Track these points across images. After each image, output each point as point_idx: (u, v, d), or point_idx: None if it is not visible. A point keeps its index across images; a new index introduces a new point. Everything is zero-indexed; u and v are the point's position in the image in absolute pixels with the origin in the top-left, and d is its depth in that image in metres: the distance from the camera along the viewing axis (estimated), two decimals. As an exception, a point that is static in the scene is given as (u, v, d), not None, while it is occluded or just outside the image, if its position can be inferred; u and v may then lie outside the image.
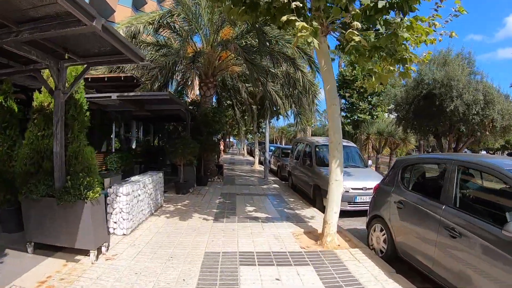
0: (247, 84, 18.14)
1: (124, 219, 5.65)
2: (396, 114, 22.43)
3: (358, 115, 23.34)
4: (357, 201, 8.35)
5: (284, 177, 14.80)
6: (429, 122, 16.86)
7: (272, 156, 18.53)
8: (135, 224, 6.02)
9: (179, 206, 7.88)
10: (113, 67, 10.95)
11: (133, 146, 20.21)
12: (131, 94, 7.37)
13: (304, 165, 10.00)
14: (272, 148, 24.58)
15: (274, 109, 15.54)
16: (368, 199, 8.26)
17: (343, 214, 8.21)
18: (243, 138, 20.42)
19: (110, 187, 5.71)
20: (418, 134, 19.10)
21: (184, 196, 9.20)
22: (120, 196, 5.63)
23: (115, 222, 5.67)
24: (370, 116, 23.84)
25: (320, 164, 9.42)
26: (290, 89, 12.43)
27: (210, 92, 13.19)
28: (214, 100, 16.66)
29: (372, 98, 23.80)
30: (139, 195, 6.31)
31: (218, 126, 11.76)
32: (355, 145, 10.88)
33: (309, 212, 7.91)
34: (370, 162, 10.36)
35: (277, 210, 7.84)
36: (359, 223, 7.40)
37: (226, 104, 19.77)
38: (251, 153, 36.87)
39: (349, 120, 26.00)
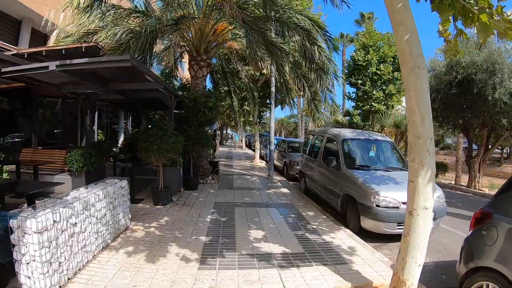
0: (247, 67, 15.51)
1: (41, 273, 3.14)
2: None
3: (373, 104, 20.73)
4: (408, 220, 5.83)
5: (292, 177, 12.28)
6: (461, 114, 14.37)
7: (276, 151, 15.97)
8: (70, 273, 3.53)
9: (151, 229, 5.34)
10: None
11: (121, 139, 17.66)
12: (75, 61, 4.81)
13: (326, 166, 7.45)
14: (276, 141, 22.00)
15: (284, 92, 12.93)
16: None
17: (378, 237, 5.81)
18: (241, 130, 17.94)
19: (33, 209, 3.23)
20: (445, 127, 16.63)
21: (164, 209, 6.66)
22: (30, 235, 3.10)
23: (28, 277, 3.17)
24: (385, 106, 21.24)
25: (351, 166, 6.88)
26: (305, 67, 9.82)
27: (203, 72, 10.55)
28: (208, 84, 14.09)
29: (387, 86, 21.14)
30: (75, 224, 3.77)
31: (212, 114, 9.17)
32: (390, 139, 8.35)
33: (344, 238, 5.40)
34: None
35: (296, 237, 5.30)
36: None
37: (223, 91, 17.13)
38: (249, 146, 34.21)
39: (360, 111, 23.49)
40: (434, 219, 6.07)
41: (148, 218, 5.97)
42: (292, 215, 6.70)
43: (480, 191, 13.23)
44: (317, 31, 9.76)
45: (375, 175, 6.51)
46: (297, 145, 14.49)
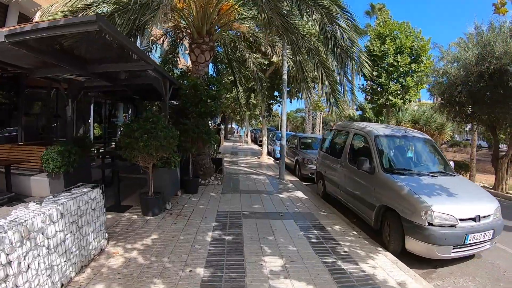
0: (255, 55, 14.07)
1: None
2: (439, 98, 18.39)
3: (389, 97, 19.22)
4: (469, 242, 4.52)
5: (305, 178, 10.92)
6: (489, 109, 12.88)
7: (285, 147, 14.58)
8: None
9: (133, 253, 4.02)
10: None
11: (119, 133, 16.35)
12: (27, 28, 3.49)
13: (355, 168, 6.06)
14: (275, 135, 20.59)
15: (300, 80, 11.52)
16: (483, 236, 4.63)
17: (424, 260, 4.49)
18: (247, 124, 16.47)
19: None
20: (472, 123, 15.14)
21: (154, 222, 5.35)
22: None
23: None
24: (401, 100, 19.72)
25: (390, 170, 5.50)
26: (326, 52, 8.36)
27: (205, 57, 9.16)
28: (211, 72, 12.72)
29: (404, 78, 19.58)
30: (9, 262, 2.48)
31: (214, 104, 7.80)
32: (428, 137, 6.94)
33: (387, 267, 4.05)
34: (452, 163, 6.43)
35: (327, 266, 3.94)
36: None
37: (228, 81, 15.72)
38: (255, 140, 32.80)
39: (373, 105, 22.01)
40: (491, 238, 4.73)
41: (132, 236, 4.65)
42: (315, 231, 5.34)
43: (508, 195, 11.78)
44: (337, 11, 8.31)
45: (422, 183, 5.12)
46: (310, 140, 13.11)
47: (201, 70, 8.96)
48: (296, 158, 11.82)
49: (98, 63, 5.69)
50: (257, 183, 9.60)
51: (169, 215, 5.85)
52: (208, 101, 7.49)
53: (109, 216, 5.51)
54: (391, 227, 5.01)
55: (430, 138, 7.04)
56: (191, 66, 9.67)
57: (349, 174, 6.58)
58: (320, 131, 38.10)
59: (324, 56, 8.77)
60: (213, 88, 7.78)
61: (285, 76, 10.36)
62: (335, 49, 7.82)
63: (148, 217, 5.64)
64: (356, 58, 8.22)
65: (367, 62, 8.56)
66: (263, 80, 13.66)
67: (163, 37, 12.80)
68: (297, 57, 8.42)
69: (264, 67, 15.39)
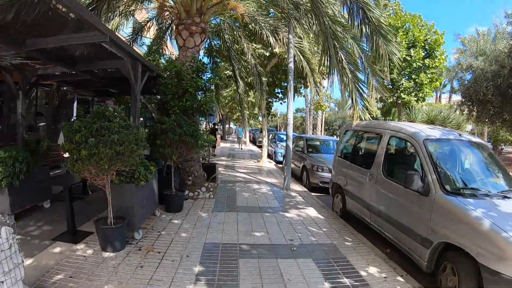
0: (255, 45, 12.35)
1: None
2: (461, 95, 16.73)
3: (401, 95, 17.51)
4: None
5: (315, 188, 9.21)
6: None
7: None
8: None
9: None
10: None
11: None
12: None
13: (395, 184, 4.37)
14: (276, 136, 18.67)
15: (305, 72, 9.86)
16: None
17: None
18: (246, 123, 14.82)
19: None
20: (501, 125, 13.53)
21: (111, 263, 3.64)
22: None
23: None
24: (415, 98, 17.98)
25: (454, 191, 3.81)
26: (350, 31, 6.64)
27: (194, 41, 7.47)
28: (205, 60, 10.97)
29: (417, 74, 17.86)
30: None
31: (206, 98, 6.10)
32: (482, 141, 5.25)
33: None
34: None
35: None
36: None
37: (224, 76, 13.98)
38: (254, 141, 31.00)
39: (382, 104, 20.36)
40: None
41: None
42: (346, 279, 3.62)
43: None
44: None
45: (502, 210, 3.46)
46: (318, 143, 11.40)
47: (189, 57, 7.23)
48: (303, 163, 10.09)
49: (36, 36, 3.97)
50: (258, 195, 7.87)
51: (137, 250, 4.13)
52: (197, 93, 5.77)
53: (55, 250, 3.98)
54: (460, 276, 3.31)
55: (484, 142, 5.36)
56: (179, 50, 7.95)
57: (385, 191, 4.86)
58: (322, 131, 36.39)
59: (344, 38, 7.07)
60: (203, 78, 6.06)
61: (291, 65, 8.62)
62: (365, 28, 6.11)
63: (106, 254, 3.94)
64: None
65: (395, 46, 6.86)
66: (262, 74, 11.93)
67: (149, 23, 11.06)
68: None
69: (265, 61, 13.68)
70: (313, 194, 8.72)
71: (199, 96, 5.76)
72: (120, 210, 4.42)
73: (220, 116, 14.12)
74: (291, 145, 8.76)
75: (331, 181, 7.16)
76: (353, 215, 6.03)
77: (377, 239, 5.15)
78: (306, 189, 9.10)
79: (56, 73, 6.42)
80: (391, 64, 17.48)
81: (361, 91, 6.69)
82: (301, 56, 10.32)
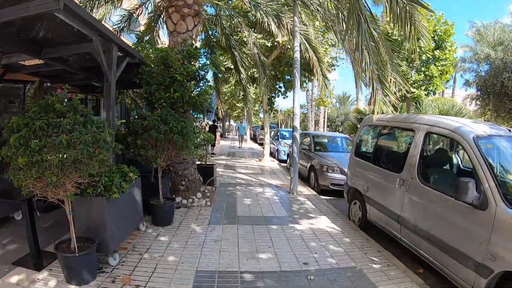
0: (256, 35, 11.37)
1: None
2: (476, 88, 15.73)
3: (411, 89, 16.46)
4: None
5: (324, 190, 8.26)
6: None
7: (291, 148, 11.88)
8: None
9: None
10: None
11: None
12: None
13: (437, 193, 3.40)
14: (289, 134, 17.53)
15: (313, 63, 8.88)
16: None
17: None
18: (248, 119, 13.56)
19: None
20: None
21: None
22: None
23: None
24: (425, 92, 16.93)
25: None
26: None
27: (187, 25, 6.51)
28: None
29: (427, 67, 16.79)
30: None
31: (200, 90, 5.13)
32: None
33: None
34: None
35: None
36: None
37: (223, 68, 12.99)
38: (255, 139, 29.96)
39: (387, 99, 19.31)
40: None
41: None
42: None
43: None
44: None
45: None
46: (327, 140, 10.42)
47: (181, 45, 6.23)
48: (310, 163, 9.10)
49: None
50: (261, 201, 6.90)
51: (110, 282, 3.20)
52: (188, 83, 4.79)
53: (12, 280, 3.17)
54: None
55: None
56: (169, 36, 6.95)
57: (422, 201, 3.89)
58: (325, 128, 35.39)
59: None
60: (195, 65, 5.07)
61: (297, 54, 7.61)
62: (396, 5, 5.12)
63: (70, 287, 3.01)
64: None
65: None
66: (266, 66, 10.95)
67: (139, 9, 10.05)
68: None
69: (266, 53, 12.67)
70: (323, 197, 7.76)
71: (190, 86, 4.77)
72: (89, 230, 3.49)
73: (223, 112, 13.09)
74: (297, 144, 7.76)
75: (347, 184, 6.19)
76: (373, 224, 5.09)
77: (406, 254, 4.22)
78: (314, 192, 8.13)
79: (23, 63, 5.48)
80: (403, 54, 16.41)
81: (382, 79, 5.71)
82: (307, 44, 9.32)
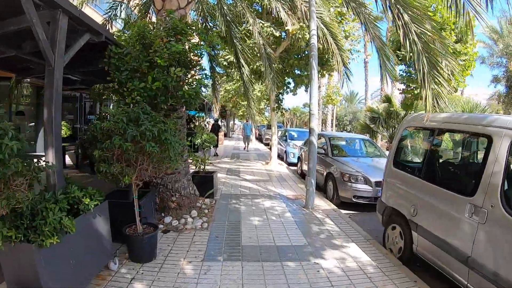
0: (262, 22, 10.06)
1: None
2: (505, 85, 14.27)
3: (432, 86, 14.92)
4: None
5: (347, 203, 6.95)
6: None
7: (302, 152, 10.54)
8: None
9: None
10: None
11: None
12: None
13: None
14: (287, 133, 16.02)
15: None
16: None
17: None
18: (253, 117, 12.08)
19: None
20: None
21: None
22: None
23: None
24: (446, 89, 15.33)
25: None
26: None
27: (179, 1, 5.20)
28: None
29: (448, 61, 15.17)
30: None
31: (192, 80, 3.83)
32: None
33: None
34: None
35: None
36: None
37: (224, 61, 11.68)
38: (260, 139, 28.55)
39: (405, 96, 17.93)
40: None
41: None
42: None
43: None
44: None
45: None
46: (345, 142, 9.07)
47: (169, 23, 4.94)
48: (328, 170, 7.75)
49: None
50: (271, 220, 5.57)
51: None
52: (172, 69, 3.49)
53: None
54: None
55: None
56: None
57: (510, 241, 2.57)
58: (334, 127, 33.86)
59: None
60: (186, 41, 3.75)
61: (314, 39, 6.25)
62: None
63: None
64: None
65: None
66: (273, 58, 9.61)
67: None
68: None
69: (274, 46, 11.34)
70: (344, 212, 6.46)
71: (176, 73, 3.45)
72: (21, 283, 2.23)
73: (217, 110, 11.71)
74: (315, 149, 6.41)
75: (381, 203, 4.86)
76: (421, 257, 3.77)
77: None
78: (334, 206, 6.78)
79: None
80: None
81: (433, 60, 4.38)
82: (325, 29, 7.97)
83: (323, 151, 8.30)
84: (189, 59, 3.77)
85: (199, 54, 4.03)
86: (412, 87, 15.71)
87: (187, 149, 5.43)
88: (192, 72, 3.96)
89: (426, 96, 4.38)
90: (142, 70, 3.44)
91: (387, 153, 9.72)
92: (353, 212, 6.82)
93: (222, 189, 7.77)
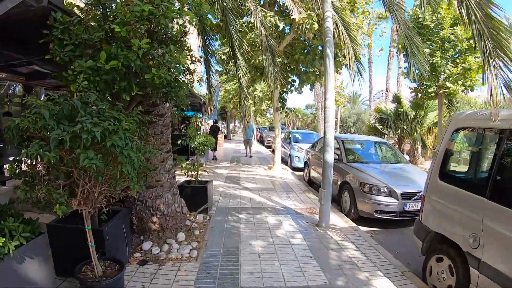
0: (264, 10, 8.98)
1: None
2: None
3: (445, 83, 13.90)
4: None
5: (366, 218, 5.85)
6: None
7: (311, 154, 9.45)
8: None
9: None
10: None
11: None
12: None
13: None
14: (291, 135, 14.77)
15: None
16: None
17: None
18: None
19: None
20: None
21: None
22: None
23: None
24: (462, 87, 14.26)
25: None
26: None
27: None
28: (199, 52, 7.61)
29: (464, 59, 14.12)
30: None
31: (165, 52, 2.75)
32: None
33: None
34: None
35: None
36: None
37: (222, 54, 10.60)
38: (262, 141, 27.39)
39: (414, 95, 16.79)
40: None
41: None
42: None
43: None
44: None
45: None
46: (360, 146, 7.96)
47: None
48: (343, 179, 6.63)
49: None
50: (279, 245, 4.45)
51: None
52: (136, 42, 2.40)
53: None
54: None
55: None
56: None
57: None
58: (338, 130, 32.64)
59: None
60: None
61: (329, 23, 5.17)
62: None
63: None
64: None
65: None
66: (276, 52, 8.53)
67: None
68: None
69: (277, 41, 10.25)
70: (364, 230, 5.38)
71: (142, 47, 2.36)
72: None
73: (212, 109, 10.48)
74: (332, 156, 5.28)
75: (421, 225, 3.74)
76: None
77: None
78: (352, 223, 5.66)
79: None
80: (434, 46, 13.67)
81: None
82: (336, 15, 6.90)
83: (336, 156, 7.18)
84: (161, 27, 2.63)
85: (182, 27, 2.93)
86: (425, 85, 14.58)
87: (171, 156, 4.33)
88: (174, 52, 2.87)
89: (491, 82, 3.26)
90: (94, 42, 2.37)
91: (406, 157, 8.64)
92: (374, 229, 5.74)
93: (219, 200, 6.68)
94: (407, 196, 5.71)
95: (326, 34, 5.13)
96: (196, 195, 5.34)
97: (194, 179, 5.74)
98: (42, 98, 7.92)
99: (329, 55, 5.06)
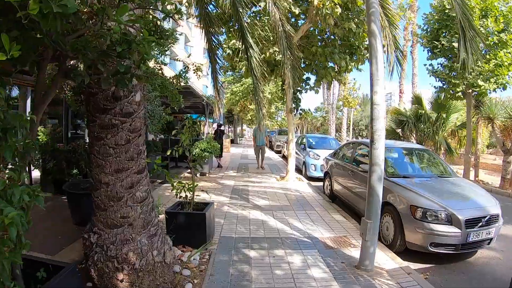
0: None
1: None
2: None
3: (476, 81, 12.33)
4: None
5: (415, 252, 4.37)
6: None
7: (331, 163, 7.97)
8: None
9: None
10: None
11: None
12: None
13: None
14: (305, 140, 12.98)
15: None
16: None
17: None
18: (261, 117, 9.45)
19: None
20: None
21: None
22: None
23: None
24: (495, 85, 12.71)
25: None
26: None
27: None
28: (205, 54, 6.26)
29: (496, 54, 12.60)
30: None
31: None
32: None
33: None
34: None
35: None
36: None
37: (229, 49, 9.23)
38: (271, 146, 25.59)
39: (439, 94, 15.25)
40: None
41: None
42: None
43: None
44: None
45: None
46: (397, 155, 6.42)
47: None
48: (383, 200, 5.16)
49: None
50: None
51: None
52: None
53: None
54: None
55: None
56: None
57: None
58: (351, 134, 31.00)
59: None
60: None
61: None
62: None
63: None
64: None
65: None
66: (293, 38, 7.11)
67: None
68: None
69: (292, 34, 8.83)
70: (412, 266, 3.92)
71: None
72: None
73: (219, 109, 9.12)
74: (381, 173, 3.77)
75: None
76: None
77: None
78: (402, 262, 4.18)
79: None
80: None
81: None
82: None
83: (390, 170, 5.64)
84: None
85: None
86: (453, 84, 12.99)
87: (146, 177, 2.93)
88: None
89: None
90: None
91: (455, 170, 7.03)
92: (425, 265, 4.28)
93: (223, 226, 5.24)
94: (471, 223, 4.24)
95: (370, 5, 3.67)
96: (191, 225, 3.92)
97: (189, 201, 4.32)
98: None
99: (375, 32, 3.60)
